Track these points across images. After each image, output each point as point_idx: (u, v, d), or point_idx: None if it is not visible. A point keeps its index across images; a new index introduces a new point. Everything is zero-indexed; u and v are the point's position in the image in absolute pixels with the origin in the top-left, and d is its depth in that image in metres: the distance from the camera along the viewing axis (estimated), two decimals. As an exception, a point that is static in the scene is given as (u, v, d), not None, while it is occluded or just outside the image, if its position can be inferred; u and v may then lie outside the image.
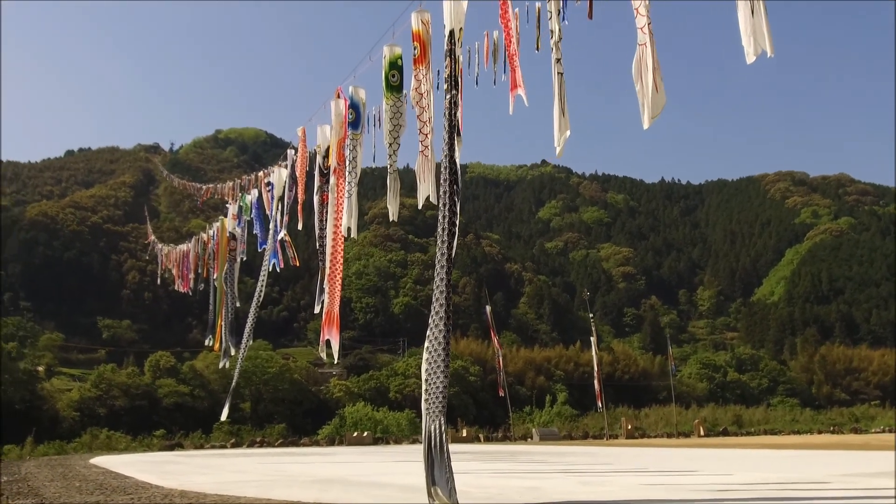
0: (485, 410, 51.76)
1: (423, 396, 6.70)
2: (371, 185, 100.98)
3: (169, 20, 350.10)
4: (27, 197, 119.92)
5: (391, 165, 8.87)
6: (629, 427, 40.58)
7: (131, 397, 47.48)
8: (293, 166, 12.98)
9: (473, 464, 15.12)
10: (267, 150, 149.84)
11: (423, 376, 6.71)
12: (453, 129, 7.00)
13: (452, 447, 6.58)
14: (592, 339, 39.86)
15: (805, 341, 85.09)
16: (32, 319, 78.73)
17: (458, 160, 6.98)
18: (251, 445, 35.80)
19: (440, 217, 6.90)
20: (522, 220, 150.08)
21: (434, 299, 6.88)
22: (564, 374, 65.34)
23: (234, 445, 35.62)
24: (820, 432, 45.82)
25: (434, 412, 6.58)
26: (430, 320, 6.80)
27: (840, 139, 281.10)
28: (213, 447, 34.60)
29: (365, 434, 37.80)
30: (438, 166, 7.71)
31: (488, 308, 41.52)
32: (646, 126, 5.13)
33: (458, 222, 6.98)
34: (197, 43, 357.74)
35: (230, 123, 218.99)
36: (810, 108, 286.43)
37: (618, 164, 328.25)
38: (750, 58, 5.04)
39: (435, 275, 6.92)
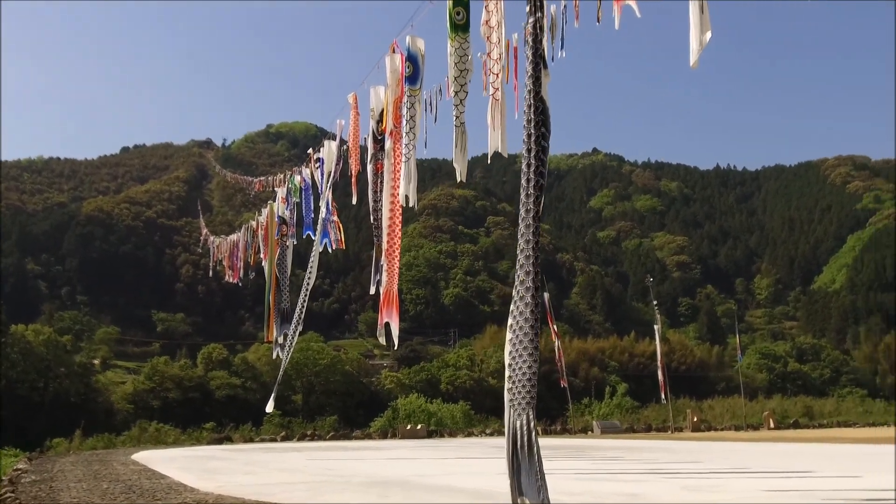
0: (539, 402, 50.37)
1: (507, 385, 5.44)
2: (420, 175, 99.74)
3: (219, 17, 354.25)
4: (84, 193, 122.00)
5: (457, 117, 7.58)
6: (695, 419, 38.79)
7: (184, 390, 47.31)
8: (342, 137, 11.77)
9: (545, 462, 13.72)
10: (317, 143, 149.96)
11: (507, 360, 5.43)
12: (538, 60, 5.66)
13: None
14: (657, 327, 38.08)
15: (869, 330, 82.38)
16: (89, 313, 79.77)
17: (545, 97, 5.66)
18: (302, 438, 34.98)
19: (524, 166, 5.62)
20: (573, 209, 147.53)
21: (518, 266, 5.55)
22: (619, 365, 63.96)
23: (285, 438, 34.82)
24: (896, 425, 43.35)
25: (520, 404, 5.36)
26: (515, 292, 5.49)
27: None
28: (262, 440, 33.85)
29: (419, 427, 36.69)
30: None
31: (546, 295, 39.95)
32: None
33: (546, 172, 5.67)
34: (246, 38, 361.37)
35: (281, 118, 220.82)
36: (870, 89, 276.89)
37: (671, 151, 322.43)
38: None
39: (519, 236, 5.60)
